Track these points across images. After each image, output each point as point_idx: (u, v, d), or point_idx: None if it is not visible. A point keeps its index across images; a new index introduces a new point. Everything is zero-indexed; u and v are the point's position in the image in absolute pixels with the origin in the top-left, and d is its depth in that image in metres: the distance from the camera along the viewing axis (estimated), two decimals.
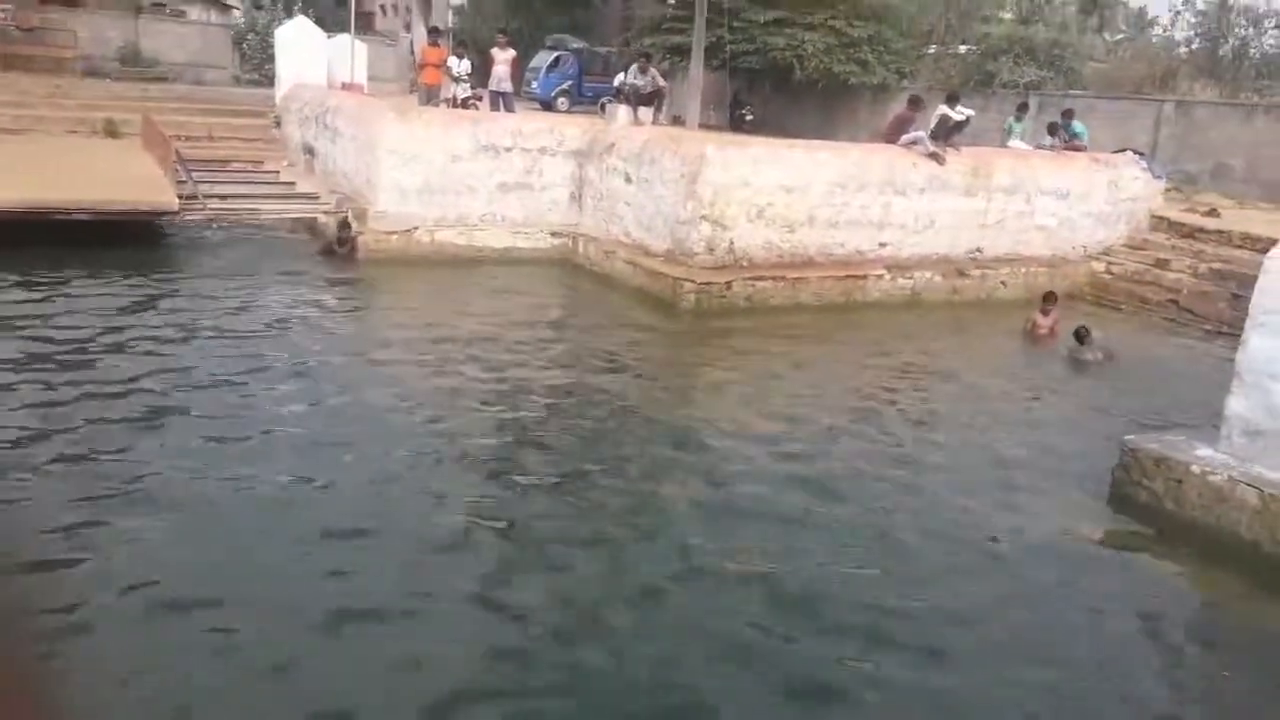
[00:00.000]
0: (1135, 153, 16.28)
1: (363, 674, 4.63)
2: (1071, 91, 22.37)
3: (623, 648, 5.09)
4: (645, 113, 15.87)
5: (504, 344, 10.17)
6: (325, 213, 14.01)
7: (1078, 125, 16.30)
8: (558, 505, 6.67)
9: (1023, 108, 17.71)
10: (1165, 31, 31.23)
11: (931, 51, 27.47)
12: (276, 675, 4.63)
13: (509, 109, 17.10)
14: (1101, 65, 26.95)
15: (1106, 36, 31.29)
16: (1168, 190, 16.66)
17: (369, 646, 4.88)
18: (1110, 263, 15.20)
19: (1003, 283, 14.37)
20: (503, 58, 17.33)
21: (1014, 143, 16.57)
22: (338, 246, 13.20)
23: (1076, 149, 15.84)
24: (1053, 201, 14.86)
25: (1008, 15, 27.98)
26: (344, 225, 13.30)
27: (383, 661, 4.72)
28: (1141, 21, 35.79)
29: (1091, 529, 7.00)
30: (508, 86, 17.48)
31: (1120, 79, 24.67)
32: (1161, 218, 15.73)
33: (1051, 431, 8.99)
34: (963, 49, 26.57)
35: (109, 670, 4.54)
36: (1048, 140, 16.31)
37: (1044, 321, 12.05)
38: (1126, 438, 7.59)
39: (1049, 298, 12.26)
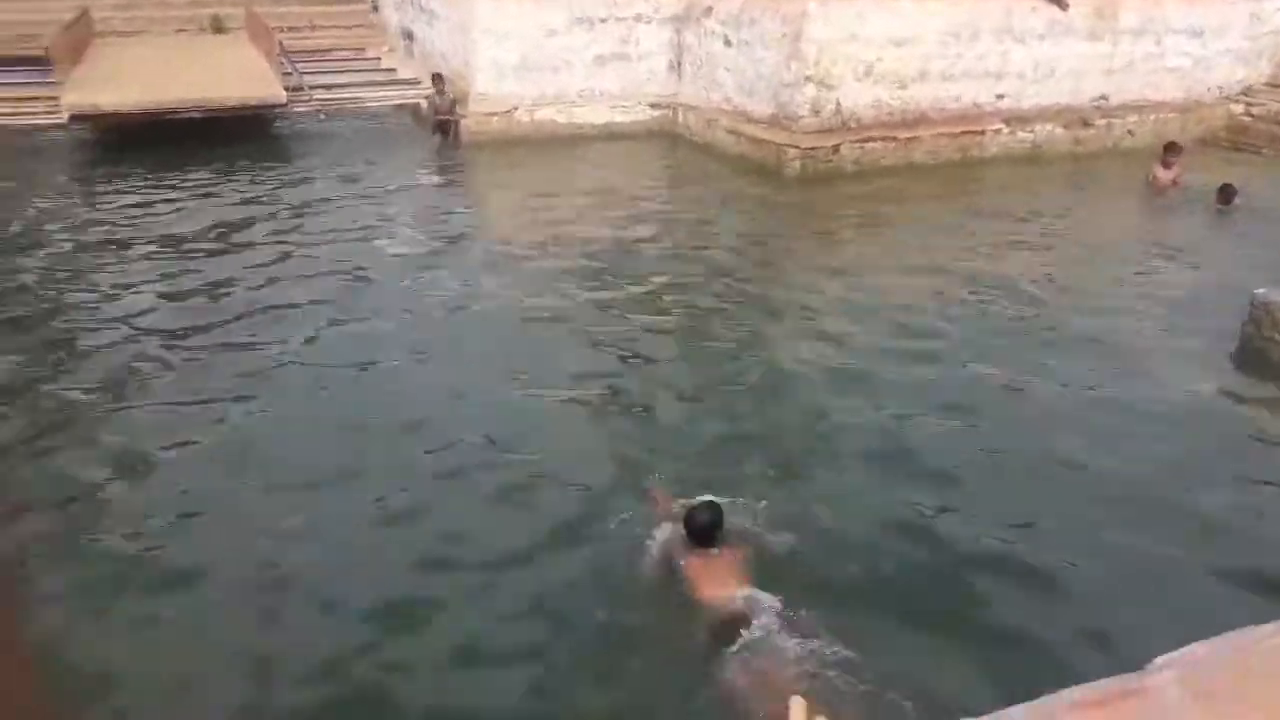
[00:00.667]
0: None
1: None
2: None
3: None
4: None
5: (607, 223, 10.18)
6: (426, 97, 14.04)
7: None
8: (668, 376, 6.78)
9: None
10: None
11: None
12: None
13: None
14: None
15: None
16: None
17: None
18: (1250, 104, 14.15)
19: (1130, 131, 13.56)
20: None
21: None
22: (435, 115, 13.15)
23: None
24: (1185, 40, 13.82)
25: None
26: (440, 90, 13.17)
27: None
28: None
29: (1220, 386, 6.74)
30: None
31: None
32: None
33: (1179, 288, 8.58)
34: None
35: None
36: None
37: (1165, 174, 11.32)
38: (1256, 291, 7.21)
39: (1171, 148, 11.45)
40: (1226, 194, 10.47)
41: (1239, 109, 14.14)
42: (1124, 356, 7.12)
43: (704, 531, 4.38)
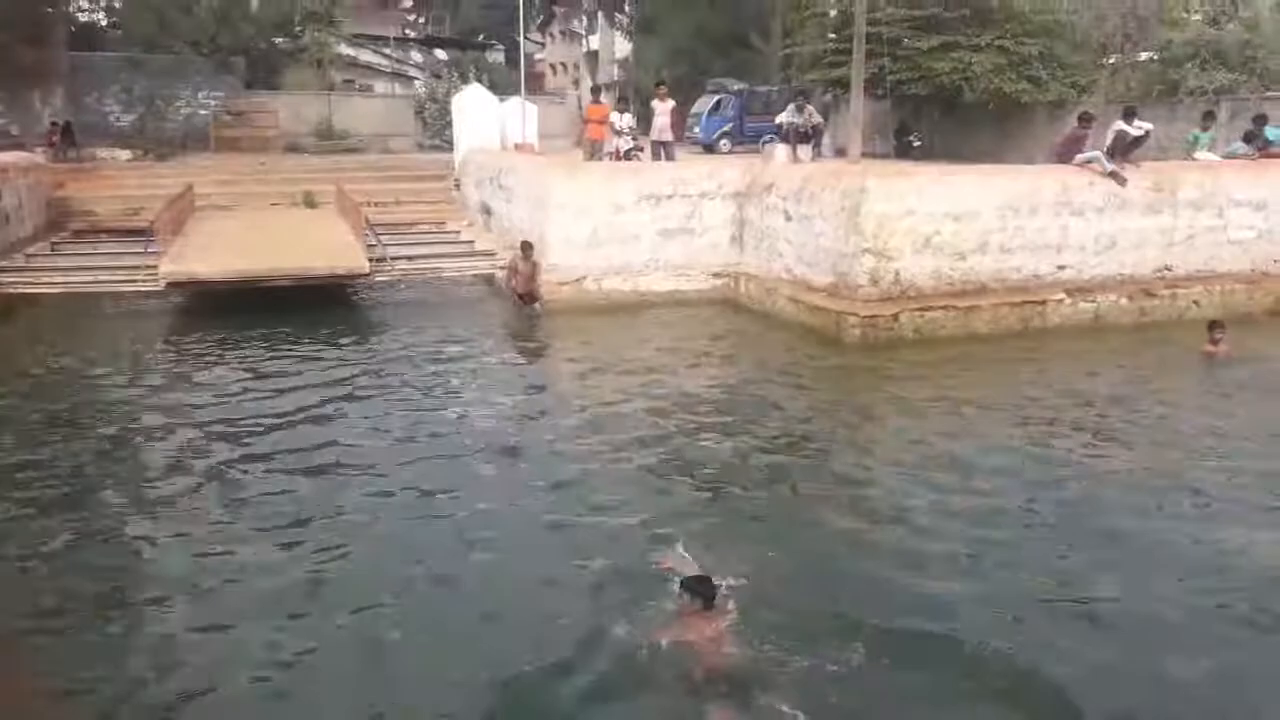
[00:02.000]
0: None
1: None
2: (1269, 94, 20.86)
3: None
4: (804, 150, 15.92)
5: (671, 387, 10.37)
6: (503, 266, 14.68)
7: (1272, 130, 15.21)
8: (724, 533, 6.78)
9: (1208, 116, 16.64)
10: None
11: (1111, 62, 26.24)
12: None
13: (670, 158, 17.49)
14: None
15: None
16: None
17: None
18: None
19: (1195, 302, 13.50)
20: (662, 109, 17.78)
21: (1200, 154, 15.60)
22: (518, 282, 13.65)
23: (1272, 156, 14.78)
24: (1249, 213, 13.91)
25: (1196, 16, 26.31)
26: (527, 257, 13.61)
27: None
28: None
29: None
30: (668, 136, 17.89)
31: None
32: None
33: (1255, 462, 8.37)
34: (1143, 57, 25.25)
35: None
36: (1240, 149, 15.30)
37: (1213, 349, 11.29)
38: None
39: (1214, 326, 11.41)
40: None
41: None
42: (1194, 525, 6.95)
43: (700, 597, 5.28)
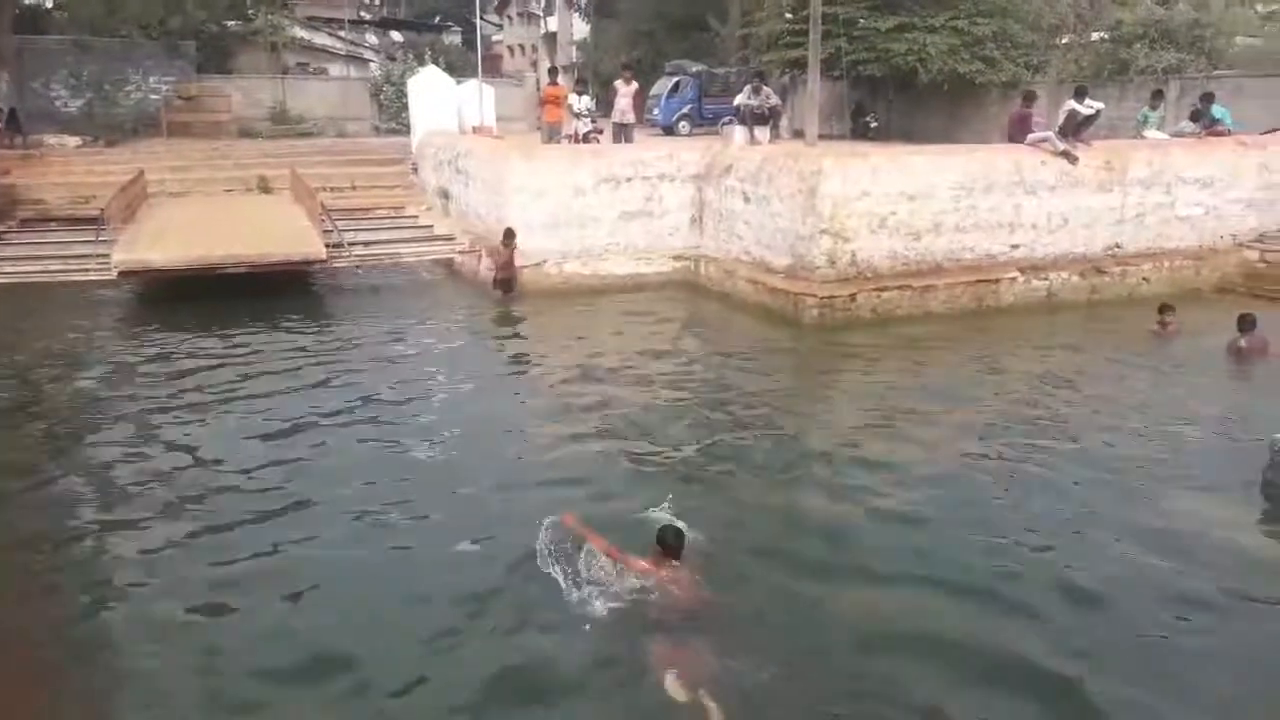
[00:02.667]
0: None
1: None
2: (1216, 73, 21.20)
3: None
4: (761, 132, 15.95)
5: (630, 369, 10.44)
6: (460, 252, 14.61)
7: (1219, 109, 15.48)
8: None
9: (1157, 95, 16.89)
10: None
11: (1063, 42, 26.49)
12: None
13: (629, 141, 17.44)
14: (1254, 40, 25.33)
15: (1260, 8, 29.30)
16: None
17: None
18: (1265, 250, 14.36)
19: (1145, 279, 13.78)
20: (625, 91, 17.68)
21: (1149, 133, 15.84)
22: (498, 268, 13.58)
23: (1218, 134, 15.05)
24: (1196, 191, 14.18)
25: None
26: (507, 244, 13.54)
27: None
28: None
29: (1242, 531, 6.70)
30: (630, 118, 17.82)
31: (1277, 54, 23.10)
32: None
33: (1199, 431, 8.61)
34: (1095, 36, 25.52)
35: None
36: (1188, 127, 15.55)
37: (1163, 331, 11.59)
38: (1276, 435, 7.22)
39: (1164, 309, 11.70)
40: (1246, 323, 10.57)
41: (1254, 256, 14.35)
42: (1146, 501, 7.13)
43: (672, 546, 5.62)
